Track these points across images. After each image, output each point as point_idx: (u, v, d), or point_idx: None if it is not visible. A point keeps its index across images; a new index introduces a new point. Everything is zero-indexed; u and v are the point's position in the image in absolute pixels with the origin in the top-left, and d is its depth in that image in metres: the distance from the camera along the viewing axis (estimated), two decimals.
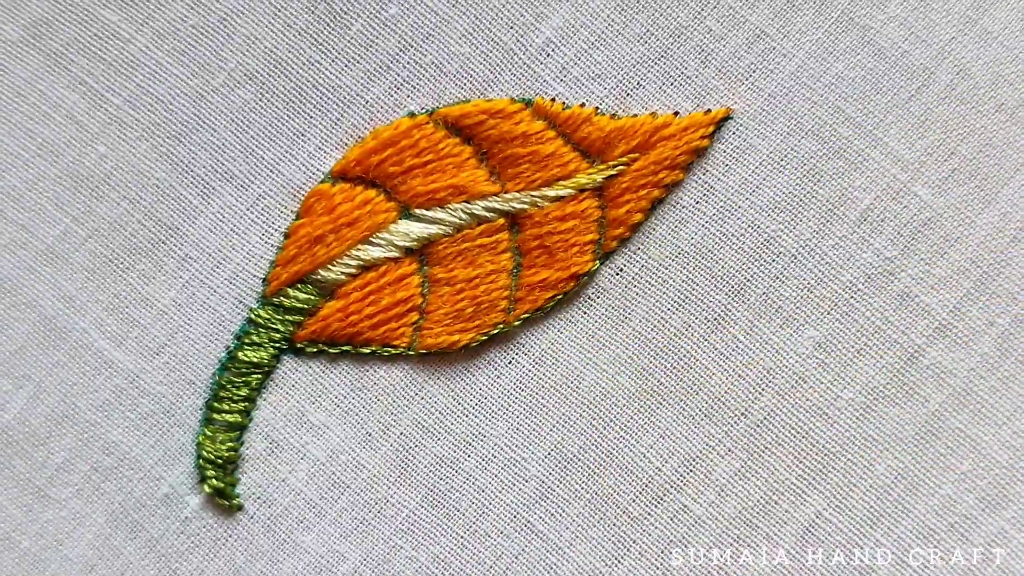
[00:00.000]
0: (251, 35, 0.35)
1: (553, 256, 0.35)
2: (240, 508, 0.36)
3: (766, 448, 0.35)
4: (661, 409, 0.35)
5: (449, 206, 0.35)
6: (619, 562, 0.36)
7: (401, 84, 0.35)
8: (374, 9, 0.35)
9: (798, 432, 0.35)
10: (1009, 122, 0.35)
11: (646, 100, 0.35)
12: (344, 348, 0.36)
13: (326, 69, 0.35)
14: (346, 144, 0.35)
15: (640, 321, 0.35)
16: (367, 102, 0.35)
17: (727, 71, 0.35)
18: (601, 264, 0.35)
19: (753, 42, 0.35)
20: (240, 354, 0.36)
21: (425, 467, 0.36)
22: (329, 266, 0.35)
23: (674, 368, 0.35)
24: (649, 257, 0.36)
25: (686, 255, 0.35)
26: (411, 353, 0.35)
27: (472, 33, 0.35)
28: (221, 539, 0.36)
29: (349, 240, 0.35)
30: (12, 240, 0.36)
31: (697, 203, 0.35)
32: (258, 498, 0.36)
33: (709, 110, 0.35)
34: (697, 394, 0.35)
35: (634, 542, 0.36)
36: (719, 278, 0.35)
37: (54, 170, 0.35)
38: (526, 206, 0.35)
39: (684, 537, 0.35)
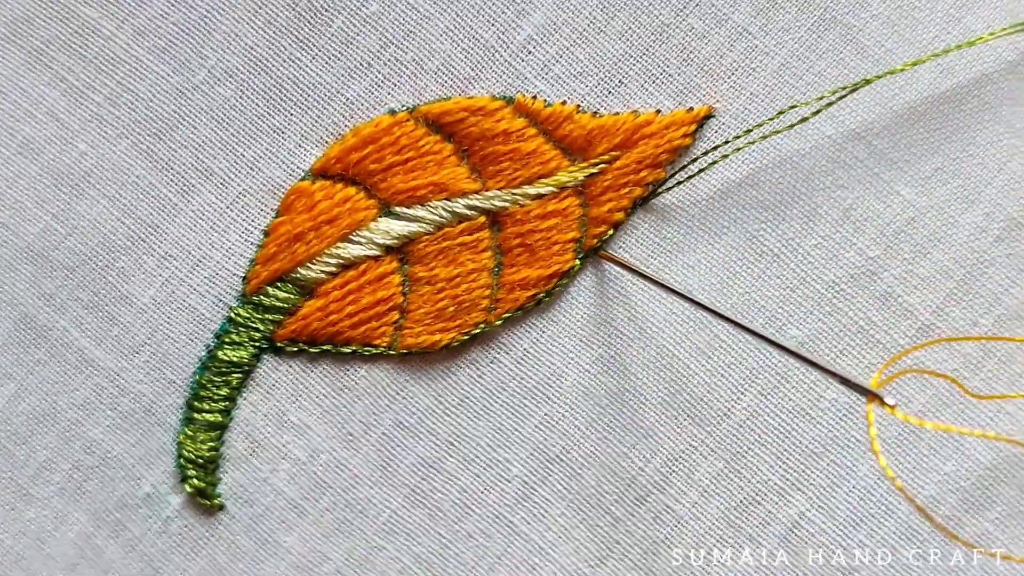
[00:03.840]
0: (232, 32, 0.36)
1: (535, 254, 0.36)
2: (221, 508, 0.37)
3: (749, 448, 0.36)
4: (643, 409, 0.36)
5: (430, 204, 0.36)
6: (602, 563, 0.36)
7: (382, 81, 0.36)
8: (355, 6, 0.36)
9: (781, 432, 0.36)
10: (992, 121, 0.35)
11: (628, 98, 0.36)
12: (325, 347, 0.36)
13: (306, 66, 0.36)
14: (326, 141, 0.36)
15: (622, 320, 0.36)
16: (347, 99, 0.36)
17: (709, 69, 0.35)
18: (583, 262, 0.36)
19: (735, 40, 0.35)
20: (220, 353, 0.36)
21: (407, 467, 0.36)
22: (309, 264, 0.36)
23: (656, 368, 0.36)
24: (631, 255, 0.36)
25: (668, 253, 0.36)
26: (392, 353, 0.36)
27: (453, 30, 0.35)
28: (203, 539, 0.36)
29: (329, 238, 0.36)
30: None
31: (679, 201, 0.36)
32: (239, 498, 0.36)
33: (691, 108, 0.35)
34: (680, 394, 0.36)
35: (617, 542, 0.36)
36: (701, 277, 0.36)
37: (34, 167, 0.36)
38: (507, 204, 0.35)
39: (667, 537, 0.36)
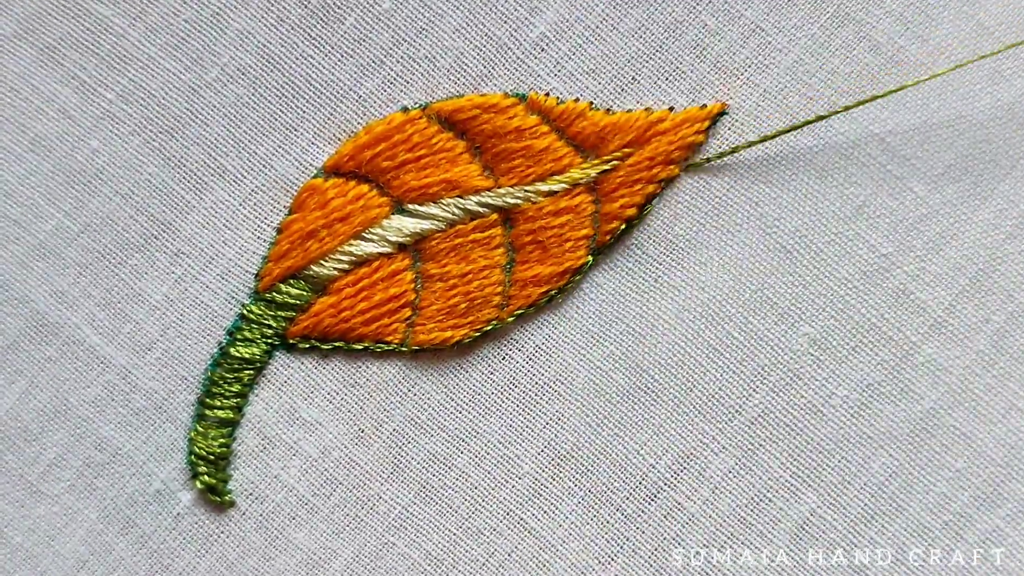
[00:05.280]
0: (244, 30, 0.36)
1: (547, 251, 0.36)
2: (232, 504, 0.37)
3: (760, 445, 0.36)
4: (655, 406, 0.36)
5: (442, 201, 0.36)
6: (612, 560, 0.36)
7: (394, 79, 0.36)
8: (367, 3, 0.36)
9: (792, 429, 0.36)
10: (1005, 118, 0.36)
11: (641, 95, 0.36)
12: (336, 344, 0.36)
13: (319, 64, 0.36)
14: (339, 139, 0.36)
15: (634, 317, 0.36)
16: (360, 97, 0.36)
17: (722, 66, 0.36)
18: (595, 259, 0.36)
19: (748, 37, 0.36)
20: (232, 350, 0.36)
21: (418, 464, 0.36)
22: (322, 261, 0.36)
23: (668, 365, 0.36)
24: (643, 252, 0.36)
25: (680, 250, 0.36)
26: (404, 349, 0.36)
27: (466, 27, 0.36)
28: (213, 535, 0.37)
29: (342, 235, 0.36)
30: (4, 235, 0.36)
31: (692, 198, 0.36)
32: (250, 494, 0.37)
33: (704, 105, 0.36)
34: (691, 391, 0.36)
35: (627, 540, 0.36)
36: (713, 273, 0.36)
37: (46, 165, 0.36)
38: (519, 201, 0.36)
39: (678, 535, 0.36)
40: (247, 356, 0.36)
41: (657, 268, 0.36)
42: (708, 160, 0.35)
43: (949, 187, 0.36)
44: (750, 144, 0.35)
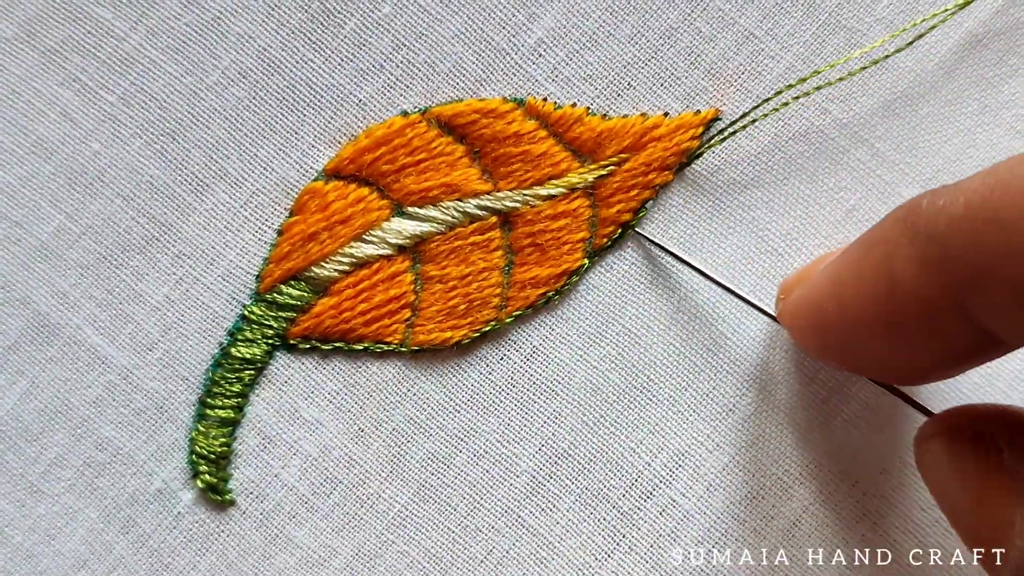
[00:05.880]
0: (245, 33, 0.36)
1: (545, 254, 0.36)
2: (232, 503, 0.37)
3: (752, 443, 0.37)
4: (650, 405, 0.37)
5: (442, 204, 0.36)
6: (609, 556, 0.37)
7: (394, 83, 0.36)
8: (367, 8, 0.36)
9: (784, 427, 0.37)
10: (992, 124, 0.36)
11: (636, 100, 0.36)
12: (337, 345, 0.37)
13: (319, 67, 0.36)
14: (339, 142, 0.36)
15: (630, 318, 0.37)
16: (360, 100, 0.36)
17: (716, 72, 0.36)
18: (591, 261, 0.36)
19: (742, 44, 0.36)
20: (233, 350, 0.36)
21: (417, 463, 0.37)
22: (322, 263, 0.36)
23: (663, 365, 0.36)
24: (639, 255, 0.37)
25: (675, 253, 0.37)
26: (403, 350, 0.36)
27: (465, 33, 0.36)
28: (213, 534, 0.37)
29: (342, 237, 0.36)
30: (6, 236, 0.36)
31: (686, 202, 0.37)
32: (251, 493, 0.37)
33: (698, 111, 0.36)
34: (685, 391, 0.37)
35: (624, 536, 0.37)
36: (707, 276, 0.36)
37: (48, 167, 0.36)
38: (518, 204, 0.36)
39: (673, 531, 0.37)
40: (248, 356, 0.37)
41: (652, 271, 0.37)
42: (690, 162, 0.36)
43: None
44: (719, 140, 0.35)
